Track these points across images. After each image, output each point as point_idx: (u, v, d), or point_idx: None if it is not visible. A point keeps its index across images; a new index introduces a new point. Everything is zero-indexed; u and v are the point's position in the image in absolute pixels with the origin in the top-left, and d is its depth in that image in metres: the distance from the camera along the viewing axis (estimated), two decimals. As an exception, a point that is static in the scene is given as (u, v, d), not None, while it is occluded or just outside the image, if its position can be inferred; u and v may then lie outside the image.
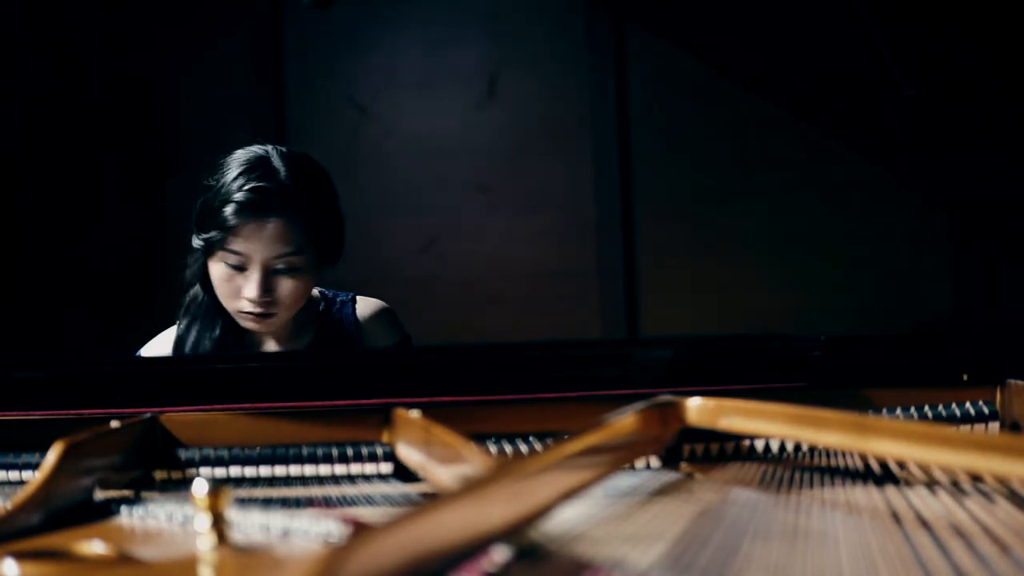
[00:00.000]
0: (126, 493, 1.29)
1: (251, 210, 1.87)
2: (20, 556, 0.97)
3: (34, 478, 1.16)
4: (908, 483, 1.17)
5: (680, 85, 3.90)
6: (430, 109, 4.06)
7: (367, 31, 4.07)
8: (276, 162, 1.93)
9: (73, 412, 1.42)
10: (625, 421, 1.19)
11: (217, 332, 2.02)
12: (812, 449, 1.36)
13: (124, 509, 1.19)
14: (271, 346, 2.06)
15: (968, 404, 1.40)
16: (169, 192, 3.92)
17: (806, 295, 3.81)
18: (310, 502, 1.24)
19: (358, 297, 2.14)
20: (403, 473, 1.36)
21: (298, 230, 1.90)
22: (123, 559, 0.98)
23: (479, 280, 4.02)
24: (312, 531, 1.04)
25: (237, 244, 1.88)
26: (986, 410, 1.39)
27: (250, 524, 1.07)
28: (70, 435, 1.20)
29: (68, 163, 4.04)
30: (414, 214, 4.04)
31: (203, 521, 0.92)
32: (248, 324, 1.95)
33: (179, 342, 2.05)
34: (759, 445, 1.38)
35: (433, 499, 0.85)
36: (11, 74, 3.87)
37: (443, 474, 1.25)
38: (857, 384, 1.44)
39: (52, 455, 1.16)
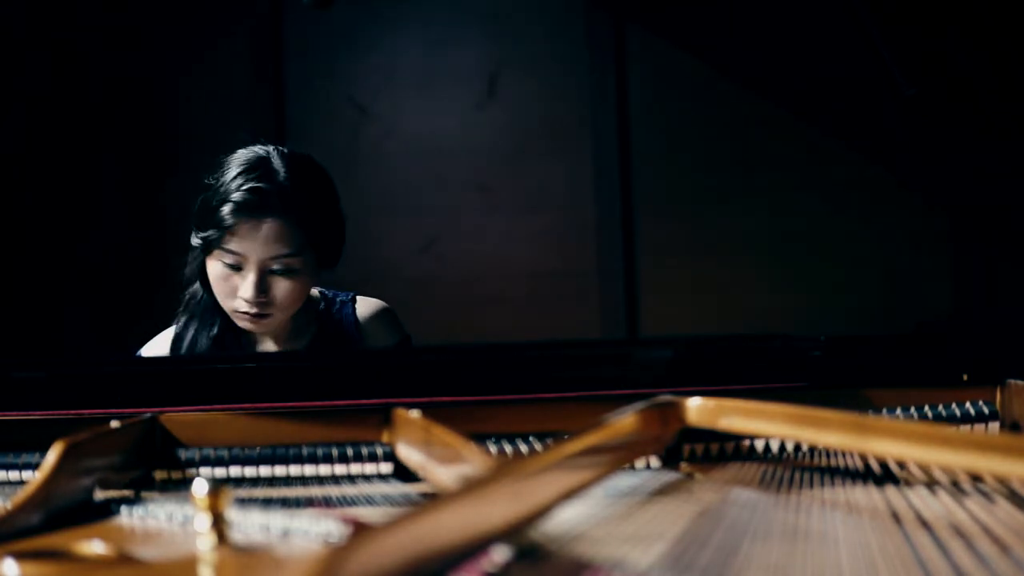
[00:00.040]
0: (126, 493, 1.29)
1: (248, 210, 1.87)
2: (20, 556, 0.97)
3: (34, 478, 1.16)
4: (908, 483, 1.17)
5: (680, 85, 3.90)
6: (430, 109, 4.06)
7: (367, 31, 4.07)
8: (276, 163, 1.93)
9: (73, 412, 1.42)
10: (625, 421, 1.19)
11: (215, 330, 2.02)
12: (812, 449, 1.36)
13: (124, 509, 1.19)
14: (270, 345, 2.06)
15: (968, 404, 1.40)
16: (169, 192, 3.91)
17: (806, 295, 3.81)
18: (310, 502, 1.24)
19: (358, 297, 2.14)
20: (403, 473, 1.36)
21: (296, 232, 1.89)
22: (123, 559, 0.98)
23: (479, 280, 4.02)
24: (312, 531, 1.04)
25: (234, 244, 1.88)
26: (986, 410, 1.39)
27: (250, 524, 1.07)
28: (70, 435, 1.20)
29: (68, 163, 4.04)
30: (414, 214, 4.04)
31: (203, 521, 0.92)
32: (244, 324, 1.95)
33: (177, 339, 2.05)
34: (759, 445, 1.38)
35: (433, 499, 0.85)
36: (11, 74, 3.87)
37: (443, 474, 1.25)
38: (857, 384, 1.44)
39: (52, 455, 1.16)
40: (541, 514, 0.98)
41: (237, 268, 1.90)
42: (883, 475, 1.22)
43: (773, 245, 3.85)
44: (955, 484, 1.14)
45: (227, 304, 1.93)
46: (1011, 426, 1.41)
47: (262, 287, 1.89)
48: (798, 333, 1.56)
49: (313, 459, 1.37)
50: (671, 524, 1.01)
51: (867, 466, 1.28)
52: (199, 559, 0.92)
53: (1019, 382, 1.40)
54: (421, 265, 4.03)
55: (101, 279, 4.05)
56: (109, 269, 4.04)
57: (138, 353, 2.10)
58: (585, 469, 1.09)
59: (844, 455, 1.33)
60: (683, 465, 1.34)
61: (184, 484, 1.34)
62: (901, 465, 1.24)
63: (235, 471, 1.37)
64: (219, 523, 0.92)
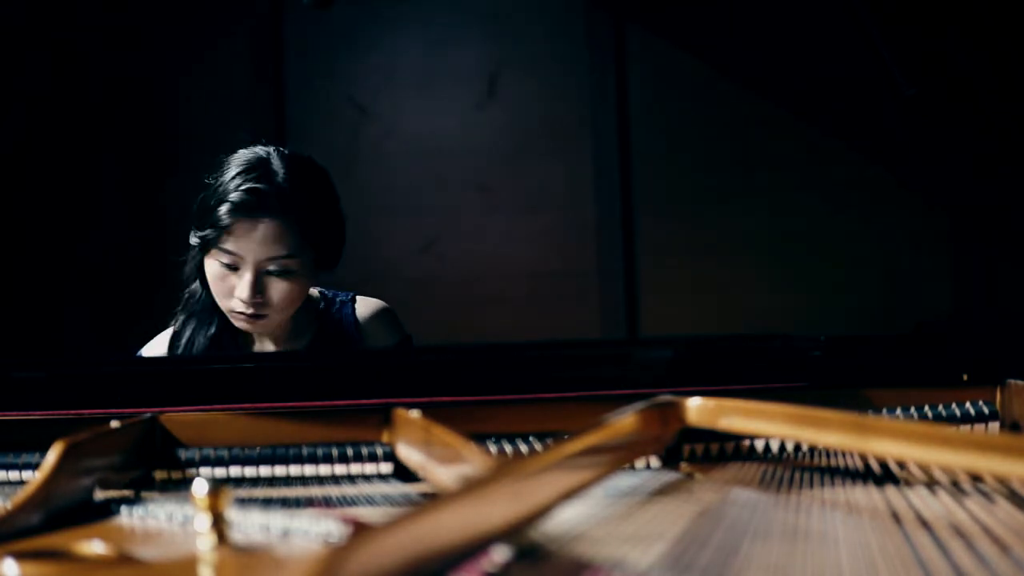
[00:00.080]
0: (126, 493, 1.29)
1: (245, 210, 1.87)
2: (20, 556, 0.97)
3: (34, 478, 1.16)
4: (908, 483, 1.17)
5: (680, 85, 3.90)
6: (430, 109, 4.06)
7: (367, 31, 4.07)
8: (275, 164, 1.93)
9: (73, 412, 1.42)
10: (625, 421, 1.19)
11: (213, 330, 2.02)
12: (812, 449, 1.36)
13: (124, 509, 1.19)
14: (270, 345, 2.06)
15: (968, 404, 1.40)
16: (169, 192, 3.91)
17: (806, 295, 3.81)
18: (310, 502, 1.24)
19: (358, 297, 2.14)
20: (403, 473, 1.36)
21: (293, 233, 1.89)
22: (123, 559, 0.98)
23: (479, 280, 4.02)
24: (312, 531, 1.04)
25: (230, 244, 1.88)
26: (986, 410, 1.39)
27: (250, 524, 1.07)
28: (70, 435, 1.20)
29: (68, 163, 4.04)
30: (414, 214, 4.04)
31: (203, 521, 0.92)
32: (240, 324, 1.95)
33: (175, 338, 2.05)
34: (759, 445, 1.38)
35: (433, 499, 0.85)
36: (11, 74, 3.87)
37: (443, 474, 1.25)
38: (857, 384, 1.44)
39: (52, 455, 1.16)
40: (541, 514, 0.98)
41: (234, 268, 1.89)
42: (883, 475, 1.22)
43: (773, 245, 3.85)
44: (955, 484, 1.14)
45: (224, 304, 1.93)
46: (1011, 426, 1.41)
47: (258, 288, 1.89)
48: (798, 333, 1.56)
49: (313, 459, 1.37)
50: (671, 524, 1.01)
51: (867, 466, 1.28)
52: (199, 559, 0.92)
53: (1019, 382, 1.40)
54: (421, 265, 4.03)
55: (101, 279, 4.05)
56: (109, 269, 4.04)
57: (138, 354, 2.10)
58: (585, 469, 1.09)
59: (844, 455, 1.33)
60: (683, 465, 1.34)
61: (184, 484, 1.34)
62: (901, 465, 1.24)
63: (235, 471, 1.37)
64: (219, 523, 0.92)
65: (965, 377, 1.44)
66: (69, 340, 4.05)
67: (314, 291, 2.10)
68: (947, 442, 1.04)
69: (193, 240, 1.94)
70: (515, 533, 0.93)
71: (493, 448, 1.37)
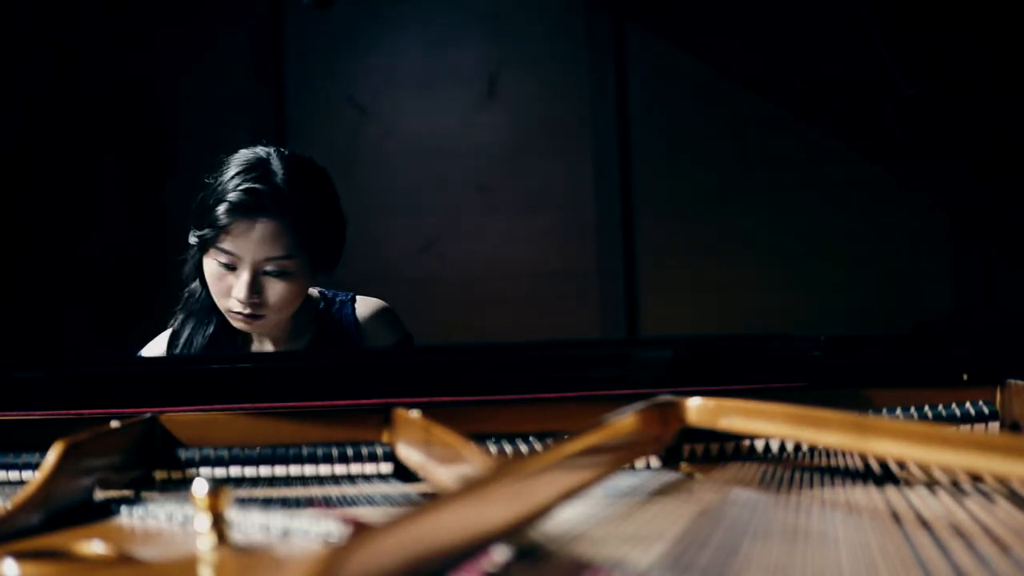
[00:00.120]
0: (126, 493, 1.29)
1: (243, 210, 1.87)
2: (20, 556, 0.97)
3: (34, 478, 1.16)
4: (908, 483, 1.17)
5: (680, 85, 3.90)
6: (430, 109, 4.06)
7: (367, 31, 4.07)
8: (275, 164, 1.93)
9: (73, 412, 1.42)
10: (625, 421, 1.19)
11: (211, 329, 2.02)
12: (812, 449, 1.36)
13: (124, 509, 1.19)
14: (268, 345, 2.06)
15: (968, 404, 1.40)
16: (169, 192, 3.91)
17: (806, 295, 3.81)
18: (310, 502, 1.24)
19: (358, 297, 2.13)
20: (403, 473, 1.36)
21: (291, 234, 1.89)
22: (123, 559, 0.98)
23: (479, 280, 4.02)
24: (312, 531, 1.04)
25: (228, 243, 1.88)
26: (986, 410, 1.39)
27: (250, 524, 1.07)
28: (70, 435, 1.20)
29: (68, 163, 4.04)
30: (414, 214, 4.04)
31: (203, 521, 0.92)
32: (237, 324, 1.95)
33: (174, 336, 2.05)
34: (759, 445, 1.38)
35: (433, 499, 0.85)
36: (11, 74, 3.87)
37: (443, 474, 1.25)
38: (857, 384, 1.44)
39: (52, 455, 1.16)
40: (541, 514, 0.98)
41: (231, 268, 1.89)
42: (883, 475, 1.22)
43: (773, 245, 3.85)
44: (955, 484, 1.14)
45: (222, 303, 1.93)
46: (1011, 426, 1.41)
47: (255, 288, 1.89)
48: (798, 333, 1.56)
49: (313, 459, 1.37)
50: (671, 524, 1.01)
51: (867, 466, 1.28)
52: (199, 559, 0.93)
53: (1019, 382, 1.40)
54: (421, 265, 4.03)
55: (101, 279, 4.05)
56: (109, 269, 4.04)
57: (138, 355, 2.10)
58: (585, 469, 1.09)
59: (844, 455, 1.33)
60: (683, 465, 1.34)
61: (184, 484, 1.34)
62: (901, 465, 1.24)
63: (235, 471, 1.37)
64: (219, 523, 0.92)
65: (965, 377, 1.44)
66: (69, 340, 4.05)
67: (314, 291, 2.10)
68: (947, 442, 1.04)
69: (192, 239, 1.94)
70: (515, 533, 0.93)
71: (493, 448, 1.37)
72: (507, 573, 0.85)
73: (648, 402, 1.26)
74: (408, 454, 1.36)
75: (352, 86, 4.08)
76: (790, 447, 1.37)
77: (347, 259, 2.07)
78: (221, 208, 1.87)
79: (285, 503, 1.23)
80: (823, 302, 3.80)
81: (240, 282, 1.88)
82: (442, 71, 4.05)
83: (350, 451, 1.37)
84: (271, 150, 1.96)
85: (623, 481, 1.23)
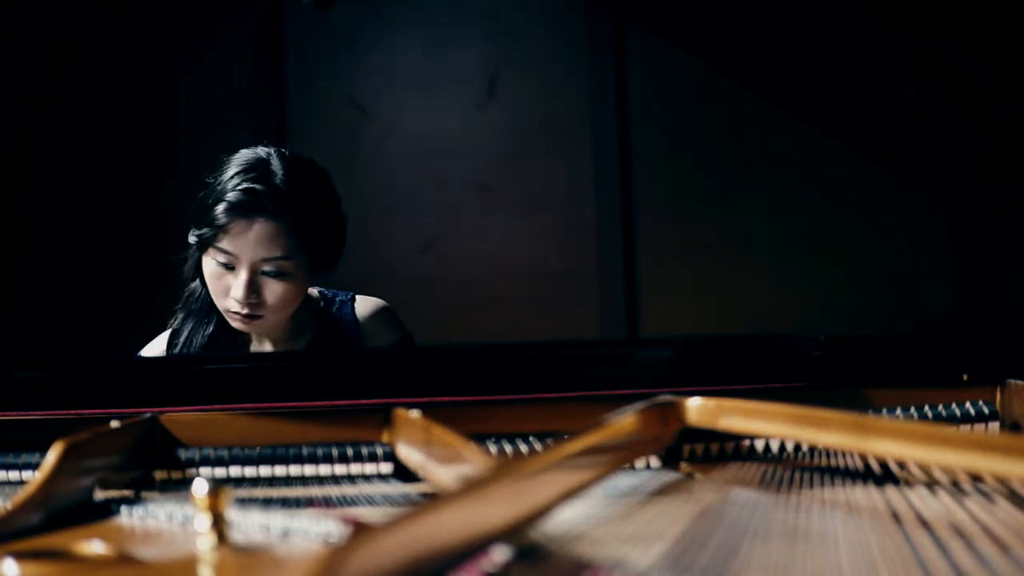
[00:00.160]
0: (126, 493, 1.29)
1: (241, 210, 1.87)
2: (20, 556, 0.97)
3: (34, 478, 1.16)
4: (908, 483, 1.17)
5: (680, 85, 3.90)
6: (430, 109, 4.06)
7: (367, 31, 4.07)
8: (275, 165, 1.93)
9: (73, 412, 1.42)
10: (625, 421, 1.19)
11: (210, 328, 2.02)
12: (812, 449, 1.36)
13: (124, 509, 1.19)
14: (268, 345, 2.06)
15: (968, 404, 1.40)
16: (169, 192, 3.91)
17: (806, 295, 3.81)
18: (310, 502, 1.24)
19: (358, 296, 2.13)
20: (403, 473, 1.36)
21: (289, 235, 1.89)
22: (123, 559, 0.98)
23: (479, 280, 4.02)
24: (312, 531, 1.04)
25: (226, 243, 1.88)
26: (986, 410, 1.39)
27: (250, 524, 1.07)
28: (70, 435, 1.20)
29: (68, 163, 4.04)
30: (414, 214, 4.04)
31: (203, 521, 0.92)
32: (236, 324, 1.95)
33: (174, 335, 2.05)
34: (759, 445, 1.38)
35: (433, 499, 0.85)
36: (11, 74, 3.87)
37: (443, 474, 1.25)
38: (857, 384, 1.44)
39: (52, 455, 1.16)
40: (541, 514, 0.98)
41: (230, 268, 1.89)
42: (883, 475, 1.22)
43: (773, 245, 3.86)
44: (955, 484, 1.14)
45: (220, 303, 1.93)
46: (1011, 426, 1.41)
47: (253, 288, 1.89)
48: (798, 333, 1.56)
49: (313, 459, 1.37)
50: (671, 524, 1.01)
51: (867, 466, 1.28)
52: (199, 559, 0.92)
53: (1019, 382, 1.40)
54: (421, 265, 4.03)
55: (101, 279, 4.05)
56: (109, 269, 4.04)
57: (138, 355, 2.10)
58: (585, 469, 1.09)
59: (844, 455, 1.33)
60: (683, 465, 1.34)
61: (184, 484, 1.34)
62: (901, 465, 1.24)
63: (235, 471, 1.37)
64: (219, 523, 0.92)
65: (965, 377, 1.44)
66: (69, 340, 4.05)
67: (314, 291, 2.10)
68: (947, 442, 1.04)
69: (191, 238, 1.94)
70: (515, 533, 0.93)
71: (493, 448, 1.37)
72: (507, 573, 0.85)
73: (648, 402, 1.26)
74: (408, 454, 1.36)
75: (352, 86, 4.08)
76: (790, 447, 1.37)
77: (347, 259, 2.07)
78: (220, 207, 1.87)
79: (285, 503, 1.23)
80: (823, 302, 3.80)
81: (238, 282, 1.88)
82: (442, 71, 4.05)
83: (350, 451, 1.37)
84: (271, 150, 1.96)
85: (623, 481, 1.23)
